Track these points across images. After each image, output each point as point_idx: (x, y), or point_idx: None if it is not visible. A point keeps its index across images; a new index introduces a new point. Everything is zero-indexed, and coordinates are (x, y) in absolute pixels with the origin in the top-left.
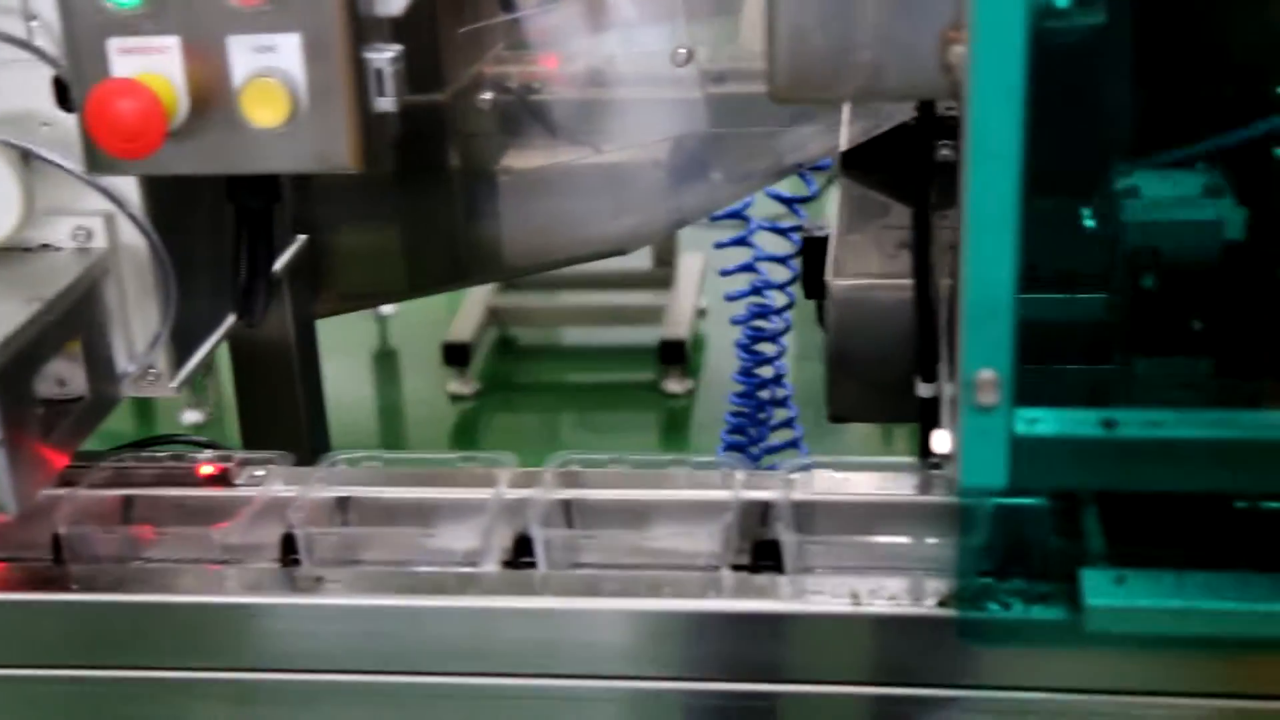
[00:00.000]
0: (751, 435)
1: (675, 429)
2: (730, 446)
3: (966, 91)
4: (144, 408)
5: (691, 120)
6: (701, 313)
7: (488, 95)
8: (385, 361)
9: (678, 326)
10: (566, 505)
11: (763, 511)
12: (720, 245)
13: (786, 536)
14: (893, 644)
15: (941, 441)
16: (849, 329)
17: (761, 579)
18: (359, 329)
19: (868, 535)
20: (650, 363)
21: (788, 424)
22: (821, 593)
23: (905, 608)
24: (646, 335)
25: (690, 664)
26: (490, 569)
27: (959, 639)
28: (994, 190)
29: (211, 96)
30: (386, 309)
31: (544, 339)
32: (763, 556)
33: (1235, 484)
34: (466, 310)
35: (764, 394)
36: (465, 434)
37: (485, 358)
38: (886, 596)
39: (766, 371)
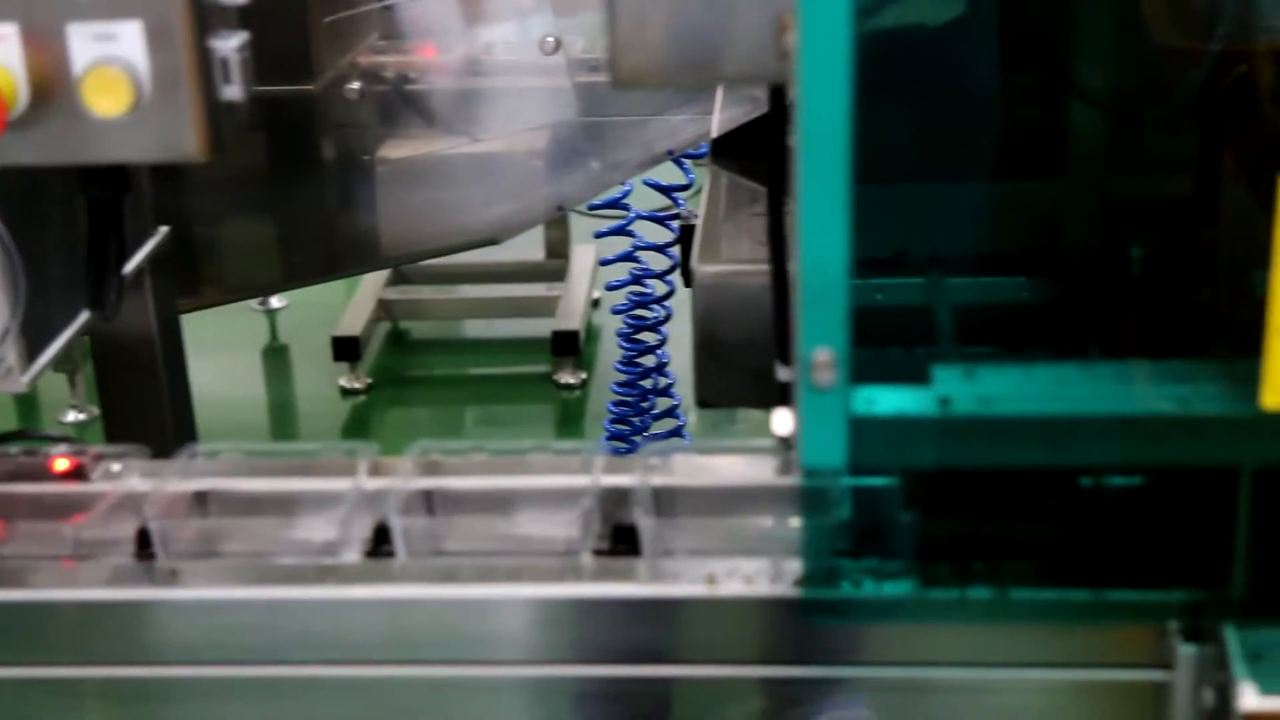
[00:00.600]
0: (635, 424)
1: (570, 420)
2: (614, 436)
3: (796, 78)
4: (27, 409)
5: (562, 109)
6: (595, 304)
7: (355, 85)
8: (275, 357)
9: (570, 318)
10: (428, 494)
11: (622, 497)
12: (600, 235)
13: (644, 521)
14: (748, 625)
15: (782, 422)
16: (714, 315)
17: (620, 563)
18: (248, 325)
19: (728, 518)
20: (544, 355)
21: (671, 412)
22: (678, 576)
23: (760, 589)
24: (540, 327)
25: (549, 649)
26: (350, 559)
27: (806, 618)
28: (825, 175)
29: (52, 85)
30: (276, 303)
31: (437, 332)
32: (622, 541)
33: (1064, 458)
34: (357, 304)
35: (646, 383)
36: (357, 429)
37: (377, 352)
38: (742, 578)
39: (649, 360)
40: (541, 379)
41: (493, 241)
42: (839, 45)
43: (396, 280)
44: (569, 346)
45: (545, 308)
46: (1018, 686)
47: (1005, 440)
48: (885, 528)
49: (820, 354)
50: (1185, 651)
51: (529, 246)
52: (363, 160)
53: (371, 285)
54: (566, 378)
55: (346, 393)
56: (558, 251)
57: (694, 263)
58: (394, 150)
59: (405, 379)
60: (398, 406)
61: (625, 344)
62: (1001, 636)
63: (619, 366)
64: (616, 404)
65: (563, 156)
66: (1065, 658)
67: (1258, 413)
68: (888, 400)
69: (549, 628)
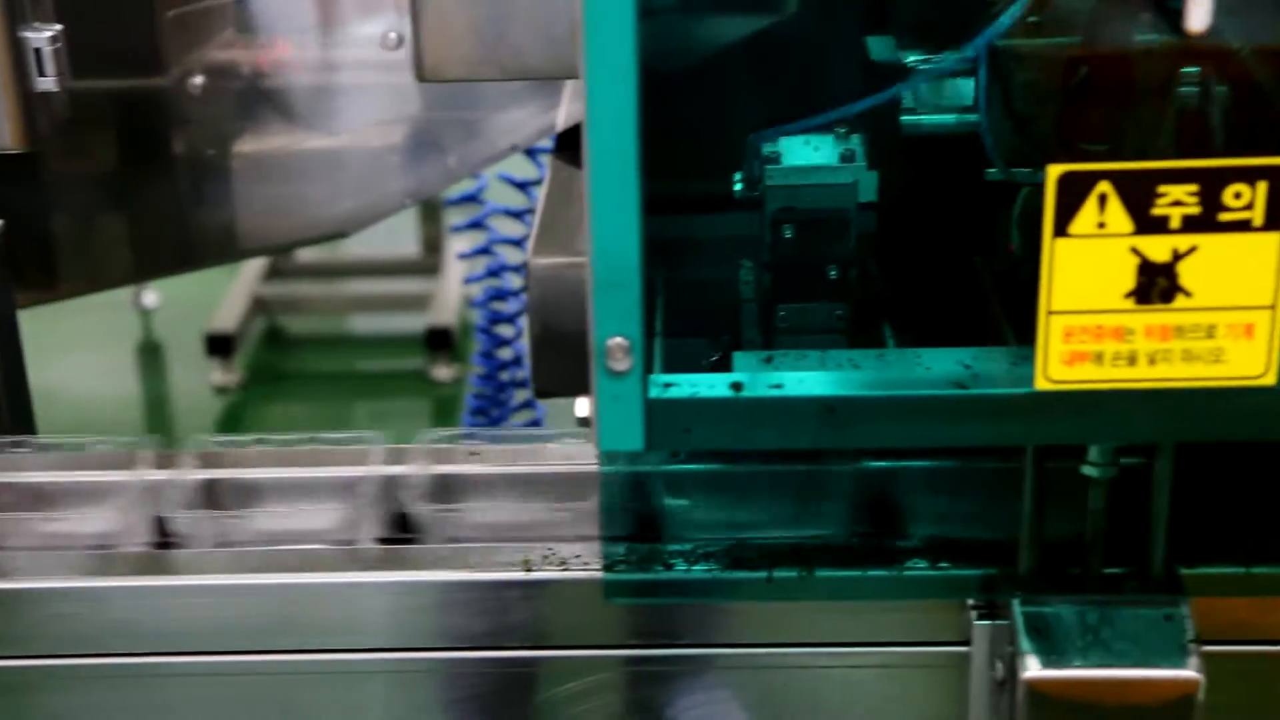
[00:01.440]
0: (493, 416)
1: (444, 417)
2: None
3: (582, 66)
4: None
5: (406, 104)
6: (469, 299)
7: (199, 80)
8: (149, 354)
9: (444, 313)
10: (210, 485)
11: (409, 484)
12: (457, 229)
13: (424, 509)
14: (549, 607)
15: (582, 407)
16: (549, 306)
17: (404, 550)
18: (121, 322)
19: (526, 503)
20: (420, 350)
21: (529, 405)
22: (468, 562)
23: (566, 572)
24: (416, 322)
25: (331, 636)
26: (133, 550)
27: (609, 599)
28: (614, 163)
29: None
30: (151, 301)
31: (312, 328)
32: (406, 529)
33: (851, 441)
34: (230, 300)
35: (504, 375)
36: (231, 427)
37: (252, 348)
38: (557, 562)
39: (507, 353)
40: (417, 375)
41: (341, 235)
42: (625, 32)
43: (272, 276)
44: (442, 341)
45: (420, 303)
46: (830, 663)
47: (794, 423)
48: (696, 510)
49: (614, 341)
50: (979, 626)
51: (404, 240)
52: (217, 154)
53: (245, 281)
54: (440, 373)
55: (220, 390)
56: (433, 246)
57: (529, 255)
58: (248, 145)
59: (281, 375)
60: (273, 403)
61: (483, 337)
62: (811, 615)
63: (477, 359)
64: (475, 396)
65: (409, 151)
66: (874, 635)
67: (1035, 393)
68: (683, 385)
69: (331, 614)
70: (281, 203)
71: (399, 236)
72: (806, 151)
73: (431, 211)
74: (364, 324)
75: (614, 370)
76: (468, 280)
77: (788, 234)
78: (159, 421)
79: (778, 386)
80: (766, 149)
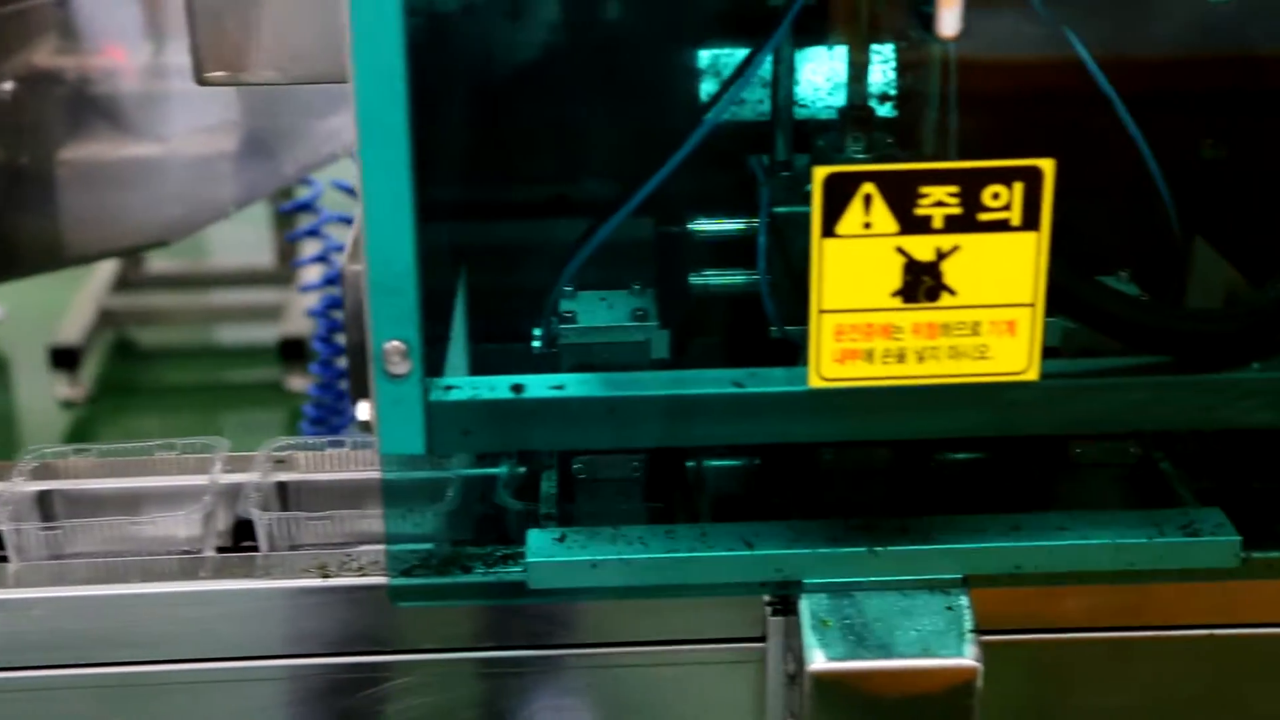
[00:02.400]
0: (333, 425)
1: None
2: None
3: (350, 72)
4: None
5: (226, 111)
6: None
7: (7, 86)
8: None
9: (298, 323)
10: (45, 497)
11: (245, 493)
12: (292, 238)
13: (261, 516)
14: (361, 614)
15: (363, 410)
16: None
17: (240, 559)
18: None
19: (353, 511)
20: (274, 361)
21: None
22: (292, 569)
23: (372, 578)
24: (269, 333)
25: (168, 644)
26: None
27: (395, 603)
28: (385, 168)
29: None
30: None
31: (164, 340)
32: (245, 537)
33: (630, 440)
34: (76, 312)
35: (343, 384)
36: (78, 440)
37: (101, 361)
38: (355, 569)
39: (345, 362)
40: (272, 385)
41: (164, 243)
42: (391, 34)
43: (122, 288)
44: (296, 351)
45: (274, 313)
46: (634, 661)
47: (576, 424)
48: (500, 514)
49: (391, 345)
50: (774, 621)
51: (257, 250)
52: (35, 161)
53: (91, 292)
54: (295, 383)
55: (67, 404)
56: (287, 256)
57: (345, 261)
58: (71, 152)
59: (131, 388)
60: (124, 416)
61: (321, 345)
62: (621, 614)
63: (315, 369)
64: (315, 405)
65: (234, 158)
66: (679, 633)
67: (810, 391)
68: (464, 388)
69: (169, 623)
70: (105, 210)
71: (252, 246)
72: (601, 309)
73: (286, 221)
74: (217, 335)
75: (392, 374)
76: (303, 289)
77: None
78: (3, 436)
79: (559, 388)
80: (563, 306)
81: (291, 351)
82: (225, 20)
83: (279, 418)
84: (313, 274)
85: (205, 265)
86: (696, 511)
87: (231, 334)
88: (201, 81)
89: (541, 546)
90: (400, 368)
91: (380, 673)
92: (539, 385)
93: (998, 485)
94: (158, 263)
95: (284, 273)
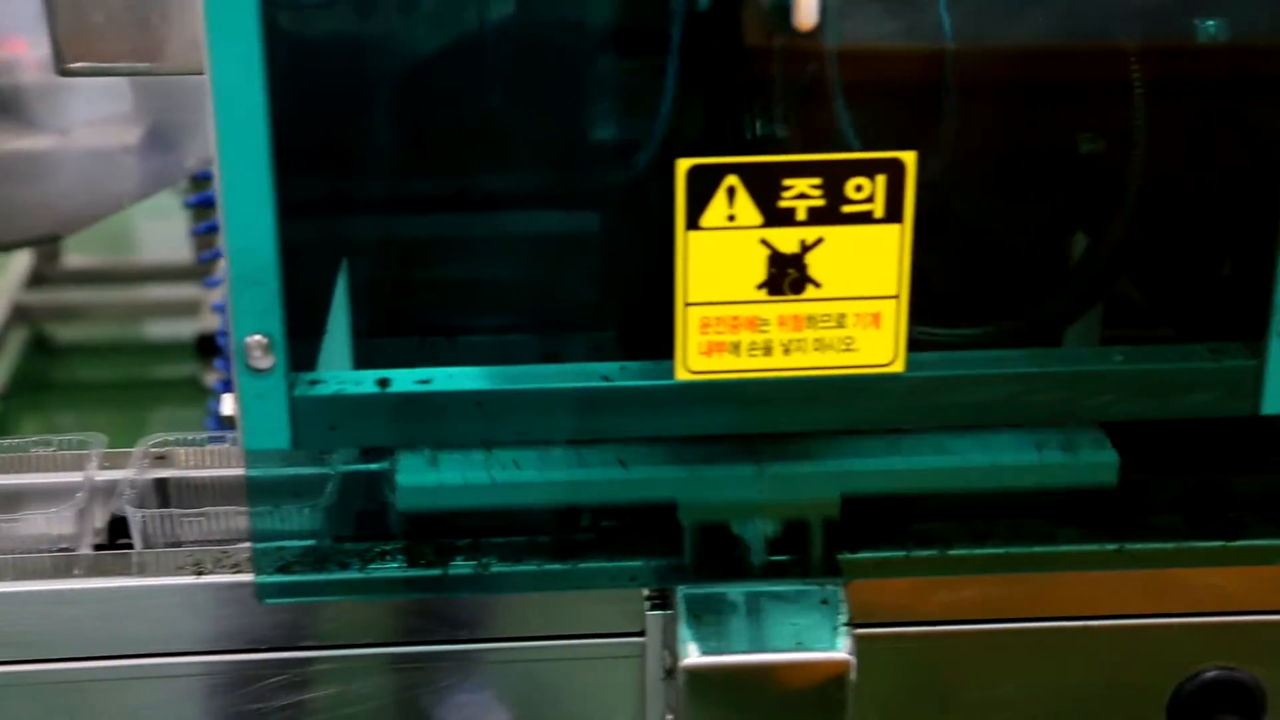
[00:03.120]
0: None
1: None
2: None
3: (206, 62)
4: None
5: (116, 103)
6: None
7: None
8: None
9: (214, 319)
10: None
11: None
12: (197, 232)
13: (135, 513)
14: (235, 612)
15: (227, 405)
16: None
17: (114, 557)
18: None
19: (230, 507)
20: (191, 356)
21: None
22: (166, 567)
23: (246, 575)
24: (187, 329)
25: (41, 644)
26: None
27: (261, 600)
28: (243, 159)
29: None
30: None
31: (80, 336)
32: (123, 534)
33: (500, 434)
34: None
35: None
36: None
37: (16, 357)
38: (230, 566)
39: None
40: (189, 381)
41: (57, 238)
42: (247, 23)
43: (37, 283)
44: (213, 348)
45: (191, 309)
46: (515, 657)
47: (443, 419)
48: (380, 510)
49: (253, 339)
50: (651, 616)
51: (175, 246)
52: None
53: (6, 289)
54: (211, 379)
55: None
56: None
57: None
58: None
59: (47, 385)
60: (39, 414)
61: (226, 340)
62: (503, 609)
63: (220, 365)
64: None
65: (134, 151)
66: (562, 629)
67: (677, 385)
68: (330, 383)
69: (45, 623)
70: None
71: (169, 241)
72: None
73: (203, 214)
74: (136, 331)
75: (255, 368)
76: (207, 283)
77: None
78: None
79: (425, 382)
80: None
81: (208, 348)
82: (89, 8)
83: (199, 414)
84: (220, 268)
85: (122, 261)
86: None
87: (150, 330)
88: (63, 73)
89: (414, 467)
90: (263, 362)
91: (255, 670)
92: (405, 380)
93: None
94: (74, 259)
95: (201, 268)
